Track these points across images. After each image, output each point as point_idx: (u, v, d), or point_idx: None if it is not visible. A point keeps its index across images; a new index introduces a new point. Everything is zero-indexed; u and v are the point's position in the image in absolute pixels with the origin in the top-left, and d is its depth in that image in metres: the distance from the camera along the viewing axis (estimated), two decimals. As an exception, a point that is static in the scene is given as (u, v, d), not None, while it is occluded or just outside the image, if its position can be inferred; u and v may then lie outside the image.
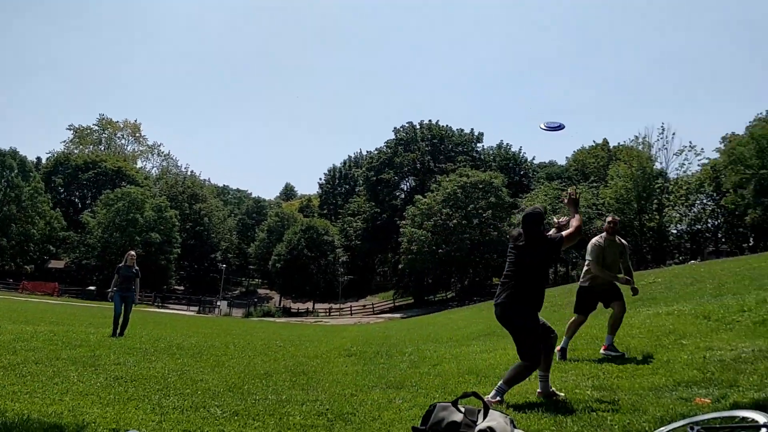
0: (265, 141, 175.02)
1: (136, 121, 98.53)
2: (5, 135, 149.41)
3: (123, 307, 13.00)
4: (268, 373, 8.03)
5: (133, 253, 13.91)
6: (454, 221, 54.67)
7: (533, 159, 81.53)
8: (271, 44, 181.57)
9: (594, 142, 73.37)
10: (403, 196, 74.29)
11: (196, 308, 63.25)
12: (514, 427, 2.77)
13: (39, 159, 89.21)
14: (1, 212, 68.56)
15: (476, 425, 2.71)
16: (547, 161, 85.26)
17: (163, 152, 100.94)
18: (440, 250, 54.93)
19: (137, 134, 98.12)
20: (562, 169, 76.71)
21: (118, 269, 13.37)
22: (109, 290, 13.67)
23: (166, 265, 70.35)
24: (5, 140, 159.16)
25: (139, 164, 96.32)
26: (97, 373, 6.91)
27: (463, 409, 2.79)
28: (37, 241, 71.30)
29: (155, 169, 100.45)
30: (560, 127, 6.25)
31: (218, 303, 63.34)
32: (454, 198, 56.57)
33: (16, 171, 71.13)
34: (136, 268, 13.45)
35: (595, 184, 60.26)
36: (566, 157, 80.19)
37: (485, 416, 2.77)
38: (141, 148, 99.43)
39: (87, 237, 69.57)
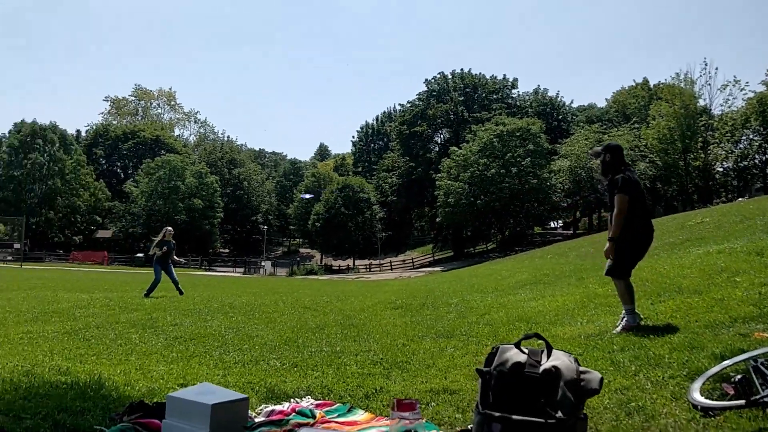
0: (297, 103, 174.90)
1: (170, 89, 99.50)
2: (44, 110, 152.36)
3: (165, 275, 14.48)
4: (320, 326, 8.19)
5: (170, 229, 15.31)
6: (492, 171, 54.03)
7: (571, 103, 79.74)
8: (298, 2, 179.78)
9: (634, 81, 71.42)
10: (437, 148, 73.53)
11: (242, 269, 64.46)
12: (579, 365, 2.77)
13: (78, 132, 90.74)
14: (46, 186, 70.28)
15: (540, 365, 2.72)
16: (586, 104, 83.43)
17: (199, 119, 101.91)
18: (478, 202, 54.51)
19: (172, 102, 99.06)
20: (601, 111, 74.92)
21: (159, 242, 14.76)
22: (144, 253, 15.57)
23: (210, 230, 71.72)
24: (44, 115, 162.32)
25: (177, 132, 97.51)
26: (157, 334, 7.12)
27: (526, 350, 2.80)
28: (84, 212, 73.11)
29: (192, 136, 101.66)
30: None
31: (263, 263, 64.40)
32: (490, 147, 55.78)
33: (57, 145, 72.52)
34: (174, 242, 14.92)
35: (636, 126, 58.75)
36: (606, 99, 78.30)
37: (549, 356, 2.78)
38: (177, 116, 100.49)
39: (131, 206, 71.14)
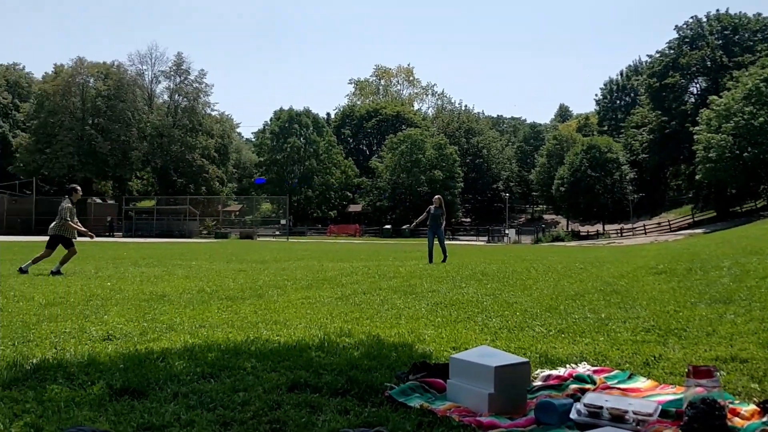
0: (533, 65, 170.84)
1: (409, 65, 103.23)
2: (296, 97, 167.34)
3: (436, 240, 15.68)
4: (579, 293, 7.98)
5: (438, 197, 16.37)
6: (760, 120, 48.00)
7: None
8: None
9: None
10: (692, 99, 67.19)
11: (485, 238, 65.22)
12: None
13: (328, 114, 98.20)
14: (304, 166, 77.51)
15: None
16: None
17: (436, 92, 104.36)
18: (745, 155, 48.85)
19: (411, 78, 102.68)
20: None
21: (428, 210, 15.99)
22: (409, 226, 16.81)
23: (452, 200, 73.54)
24: (298, 101, 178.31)
25: (416, 106, 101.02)
26: (418, 300, 7.47)
27: None
28: (336, 188, 79.61)
29: (431, 109, 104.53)
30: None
31: (506, 231, 64.53)
32: (757, 93, 49.48)
33: (311, 128, 79.67)
34: (442, 209, 15.84)
35: None
36: None
37: None
38: (416, 91, 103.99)
39: (378, 181, 75.66)
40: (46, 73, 70.09)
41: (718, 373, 2.79)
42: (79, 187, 12.51)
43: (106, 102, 64.29)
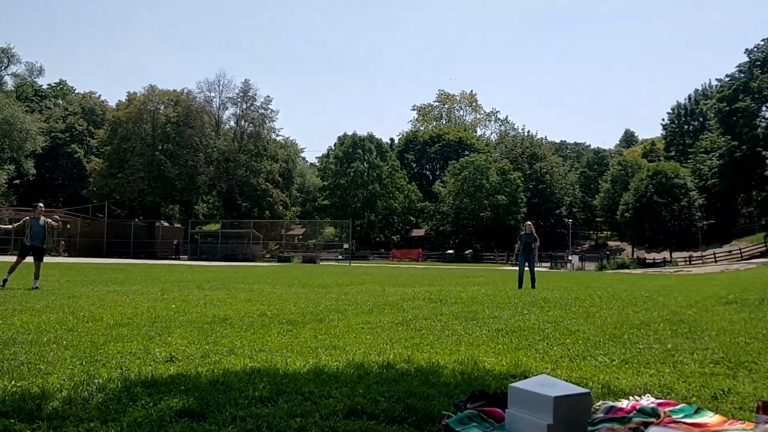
0: (598, 90, 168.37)
1: (471, 92, 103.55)
2: (362, 123, 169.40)
3: (527, 266, 16.19)
4: (644, 322, 7.76)
5: (529, 223, 17.10)
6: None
7: None
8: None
9: None
10: (764, 124, 64.87)
11: (548, 264, 64.07)
12: None
13: (392, 140, 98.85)
14: (367, 191, 78.14)
15: None
16: None
17: (500, 118, 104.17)
18: (822, 181, 46.82)
19: (474, 104, 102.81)
20: None
21: (520, 236, 16.61)
22: (514, 252, 17.62)
23: (515, 225, 72.70)
24: (363, 127, 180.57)
25: (479, 132, 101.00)
26: (479, 326, 7.40)
27: None
28: (399, 213, 79.76)
29: (494, 134, 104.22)
30: None
31: (569, 257, 63.25)
32: (836, 117, 47.55)
33: (374, 153, 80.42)
34: (535, 234, 16.40)
35: None
36: None
37: None
38: (479, 117, 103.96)
39: (440, 205, 75.56)
40: (119, 100, 72.99)
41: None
42: (41, 204, 13.81)
43: (175, 128, 66.34)
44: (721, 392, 3.83)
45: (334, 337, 6.31)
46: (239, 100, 75.74)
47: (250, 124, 75.11)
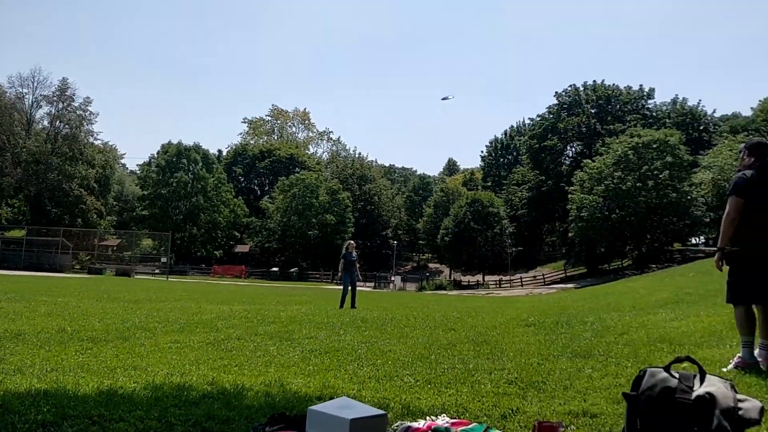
0: (426, 118, 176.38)
1: (305, 109, 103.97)
2: (188, 132, 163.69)
3: (350, 285, 16.18)
4: (452, 343, 8.13)
5: (352, 242, 17.07)
6: (628, 184, 51.73)
7: (713, 112, 74.66)
8: (422, 16, 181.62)
9: (785, 86, 66.11)
10: (568, 161, 71.73)
11: (372, 284, 65.51)
12: (736, 392, 2.57)
13: (220, 151, 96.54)
14: (190, 203, 75.28)
15: (693, 391, 2.54)
16: (729, 113, 77.94)
17: (332, 138, 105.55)
18: (613, 216, 52.37)
19: (306, 122, 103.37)
20: (747, 120, 69.51)
21: (343, 256, 16.44)
22: (338, 272, 17.32)
23: (342, 244, 73.58)
24: (189, 136, 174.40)
25: (311, 150, 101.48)
26: (294, 347, 7.35)
27: (677, 374, 2.63)
28: (224, 227, 77.56)
29: (325, 153, 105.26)
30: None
31: (392, 278, 65.18)
32: (625, 160, 53.46)
33: (200, 164, 77.71)
34: (355, 254, 16.38)
35: (789, 134, 54.18)
36: (751, 108, 72.64)
37: (702, 381, 2.60)
38: (311, 135, 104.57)
39: (267, 222, 74.66)
40: None
41: (563, 430, 2.89)
42: None
43: (-22, 124, 60.23)
44: (510, 411, 4.07)
45: (137, 357, 5.97)
46: (55, 99, 70.21)
47: (66, 125, 69.83)
